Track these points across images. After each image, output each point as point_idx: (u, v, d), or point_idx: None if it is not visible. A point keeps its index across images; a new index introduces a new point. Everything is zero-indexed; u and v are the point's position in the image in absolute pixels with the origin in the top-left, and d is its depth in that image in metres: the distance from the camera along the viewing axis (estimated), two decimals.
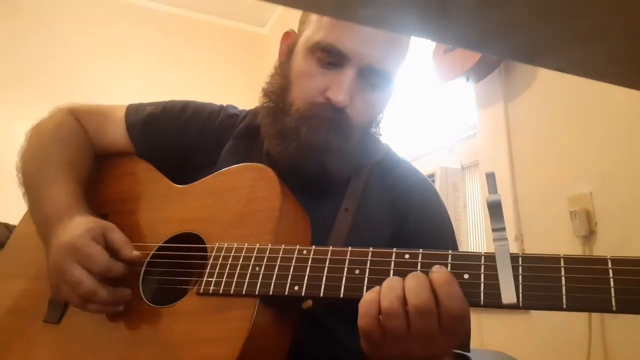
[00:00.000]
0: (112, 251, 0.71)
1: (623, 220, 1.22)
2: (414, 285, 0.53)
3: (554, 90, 1.47)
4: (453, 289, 0.53)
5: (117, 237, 0.72)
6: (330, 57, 0.75)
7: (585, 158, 1.34)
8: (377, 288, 0.56)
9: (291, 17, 0.89)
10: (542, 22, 0.28)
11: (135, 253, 0.71)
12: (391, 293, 0.53)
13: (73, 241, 0.69)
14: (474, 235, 1.82)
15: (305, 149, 0.76)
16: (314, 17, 0.79)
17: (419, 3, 0.26)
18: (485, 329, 1.54)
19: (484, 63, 1.60)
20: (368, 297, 0.55)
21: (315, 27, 0.78)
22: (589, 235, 1.28)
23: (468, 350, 0.71)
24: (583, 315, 1.25)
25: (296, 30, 0.85)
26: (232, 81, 3.43)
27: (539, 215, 1.48)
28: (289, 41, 0.85)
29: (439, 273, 0.54)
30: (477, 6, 0.26)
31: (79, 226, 0.71)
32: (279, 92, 0.81)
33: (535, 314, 1.43)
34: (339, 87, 0.74)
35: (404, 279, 0.55)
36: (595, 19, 0.27)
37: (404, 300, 0.53)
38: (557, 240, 1.38)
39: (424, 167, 1.70)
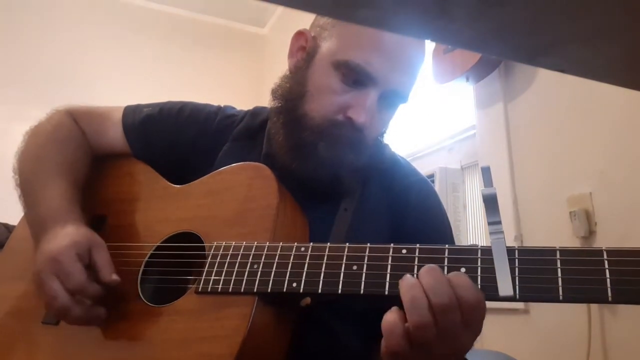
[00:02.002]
0: (94, 270, 0.71)
1: (623, 221, 1.22)
2: (433, 282, 0.51)
3: (554, 91, 1.47)
4: (463, 279, 0.52)
5: (101, 257, 0.71)
6: (356, 76, 0.74)
7: (585, 158, 1.34)
8: (395, 308, 0.53)
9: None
10: (542, 22, 0.28)
11: (114, 277, 0.70)
12: (419, 305, 0.51)
13: (57, 253, 0.69)
14: (473, 235, 1.82)
15: (322, 165, 0.75)
16: (336, 26, 0.77)
17: (419, 3, 0.26)
18: (485, 329, 1.53)
19: (483, 63, 1.60)
20: (390, 317, 0.52)
21: (341, 41, 0.76)
22: (589, 236, 1.28)
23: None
24: (583, 315, 1.25)
25: (309, 30, 0.82)
26: (231, 81, 3.43)
27: (539, 215, 1.48)
28: (302, 42, 0.82)
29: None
30: (477, 6, 0.26)
31: (67, 237, 0.71)
32: (292, 98, 0.79)
33: (535, 314, 1.43)
34: (362, 108, 0.73)
35: (419, 281, 0.52)
36: (595, 19, 0.27)
37: (431, 307, 0.51)
38: (557, 240, 1.38)
39: (423, 168, 1.70)
